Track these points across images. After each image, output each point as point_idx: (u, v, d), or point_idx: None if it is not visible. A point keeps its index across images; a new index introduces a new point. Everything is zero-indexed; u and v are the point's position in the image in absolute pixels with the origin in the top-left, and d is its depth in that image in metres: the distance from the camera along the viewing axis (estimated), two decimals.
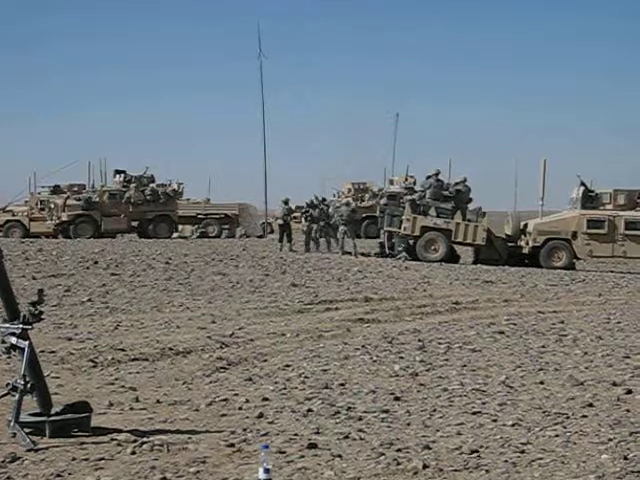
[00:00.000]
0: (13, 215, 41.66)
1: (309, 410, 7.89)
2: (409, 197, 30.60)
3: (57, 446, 6.59)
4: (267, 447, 5.51)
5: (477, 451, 6.67)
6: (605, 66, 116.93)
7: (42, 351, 9.53)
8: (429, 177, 29.77)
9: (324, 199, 32.93)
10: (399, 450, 6.66)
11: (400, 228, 29.11)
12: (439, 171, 30.58)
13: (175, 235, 40.95)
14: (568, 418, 7.75)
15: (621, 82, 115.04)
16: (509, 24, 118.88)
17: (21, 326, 6.82)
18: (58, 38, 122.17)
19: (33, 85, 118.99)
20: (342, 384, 9.05)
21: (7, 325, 6.88)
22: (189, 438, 6.88)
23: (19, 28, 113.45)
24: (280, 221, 33.01)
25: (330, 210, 33.10)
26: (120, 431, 7.02)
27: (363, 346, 11.36)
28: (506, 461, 6.44)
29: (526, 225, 29.41)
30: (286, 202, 33.29)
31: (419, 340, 11.85)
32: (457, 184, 30.05)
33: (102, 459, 6.30)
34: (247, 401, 8.22)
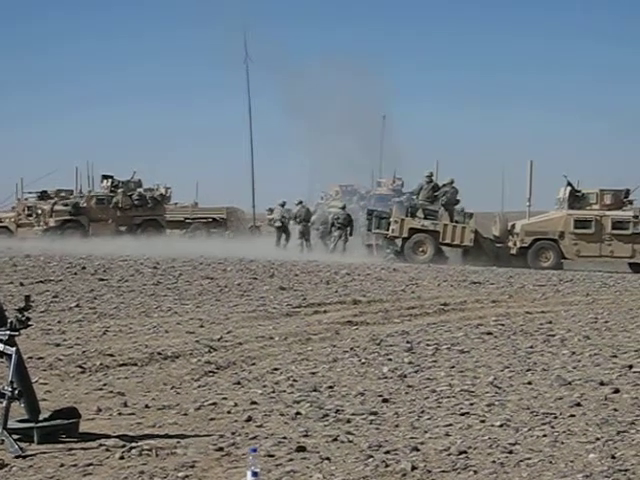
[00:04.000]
0: (0, 221, 41.56)
1: (297, 413, 7.90)
2: (396, 199, 30.74)
3: (45, 452, 6.58)
4: (255, 450, 5.51)
5: (465, 452, 6.68)
6: (591, 65, 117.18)
7: (30, 357, 9.51)
8: (444, 185, 29.78)
9: (301, 201, 33.20)
10: (387, 452, 6.67)
11: (388, 230, 29.22)
12: (432, 173, 30.76)
13: None
14: (556, 418, 7.78)
15: (608, 81, 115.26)
16: (495, 25, 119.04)
17: (8, 332, 6.80)
18: (44, 43, 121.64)
19: (16, 91, 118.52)
20: (330, 387, 9.05)
21: None
22: (178, 442, 6.87)
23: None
24: (278, 223, 33.18)
25: (319, 212, 33.31)
26: (108, 436, 7.01)
27: (352, 348, 11.37)
28: (494, 462, 6.46)
29: (513, 226, 29.53)
30: (282, 205, 33.51)
31: (407, 342, 11.87)
32: (444, 185, 30.15)
33: (90, 465, 6.29)
34: (236, 405, 8.22)
